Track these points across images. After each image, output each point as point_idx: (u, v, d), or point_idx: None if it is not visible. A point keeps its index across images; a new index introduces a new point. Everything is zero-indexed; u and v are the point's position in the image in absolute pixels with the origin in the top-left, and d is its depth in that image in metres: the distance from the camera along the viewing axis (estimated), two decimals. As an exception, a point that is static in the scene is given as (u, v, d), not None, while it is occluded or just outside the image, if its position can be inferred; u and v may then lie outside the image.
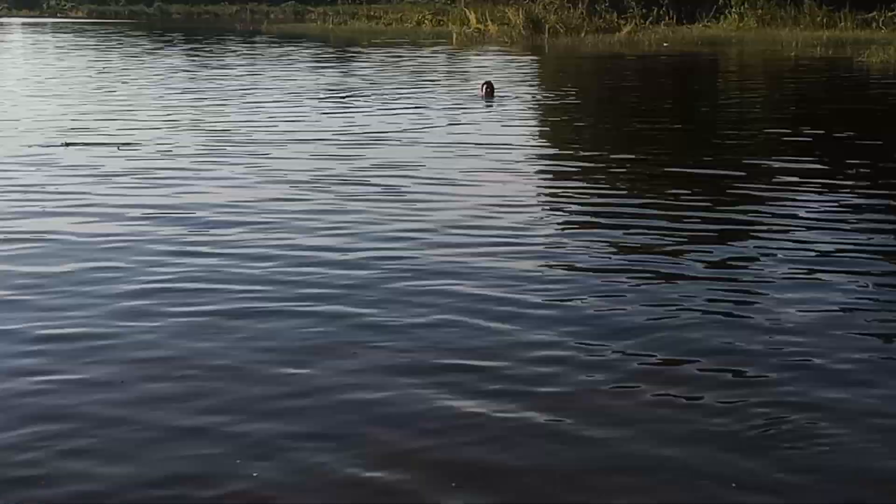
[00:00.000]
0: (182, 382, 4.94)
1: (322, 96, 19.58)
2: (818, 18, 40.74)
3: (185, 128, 14.77)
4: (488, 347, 5.38)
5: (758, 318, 5.95)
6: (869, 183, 10.35)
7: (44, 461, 4.15)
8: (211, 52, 36.94)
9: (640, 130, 14.92)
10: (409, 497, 3.89)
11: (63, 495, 3.89)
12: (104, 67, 28.59)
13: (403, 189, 9.84)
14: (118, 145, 12.53)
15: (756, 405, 4.67)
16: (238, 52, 36.61)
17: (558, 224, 8.55)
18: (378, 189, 9.82)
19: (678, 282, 6.72)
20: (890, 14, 40.09)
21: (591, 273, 6.92)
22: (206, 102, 18.48)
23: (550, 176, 11.08)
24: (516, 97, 19.16)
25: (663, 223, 8.45)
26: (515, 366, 5.15)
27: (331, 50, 38.17)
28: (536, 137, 14.47)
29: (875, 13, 40.35)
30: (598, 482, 3.99)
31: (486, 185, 10.03)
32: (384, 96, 19.46)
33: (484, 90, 19.01)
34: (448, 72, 26.92)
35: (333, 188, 9.90)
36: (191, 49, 38.75)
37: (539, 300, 6.25)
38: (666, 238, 7.93)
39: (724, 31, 40.64)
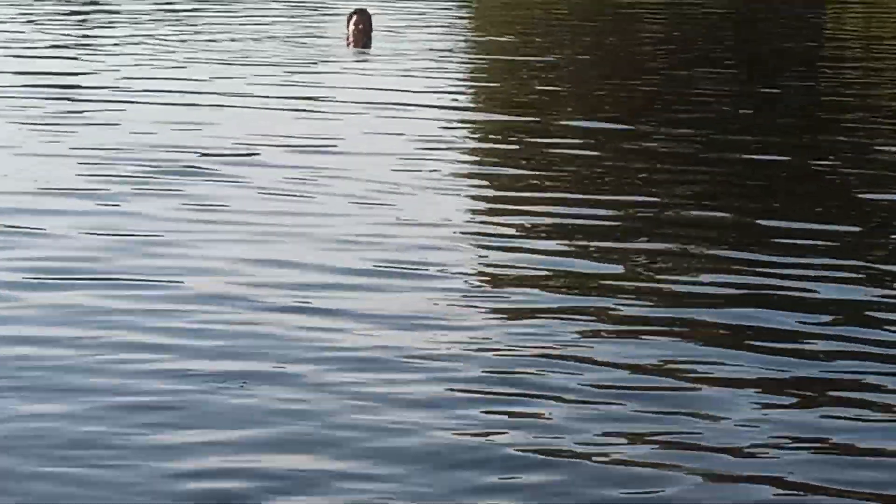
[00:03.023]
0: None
1: (83, 42, 15.69)
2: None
3: None
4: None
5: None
6: None
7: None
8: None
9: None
10: None
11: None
12: None
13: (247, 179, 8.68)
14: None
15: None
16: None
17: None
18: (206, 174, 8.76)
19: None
20: None
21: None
22: None
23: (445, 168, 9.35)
24: (411, 42, 15.08)
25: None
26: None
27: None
28: (439, 109, 11.24)
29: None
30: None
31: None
32: (190, 41, 15.35)
33: (353, 28, 14.61)
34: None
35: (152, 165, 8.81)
36: None
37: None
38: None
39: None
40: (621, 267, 6.95)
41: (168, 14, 17.77)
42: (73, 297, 5.97)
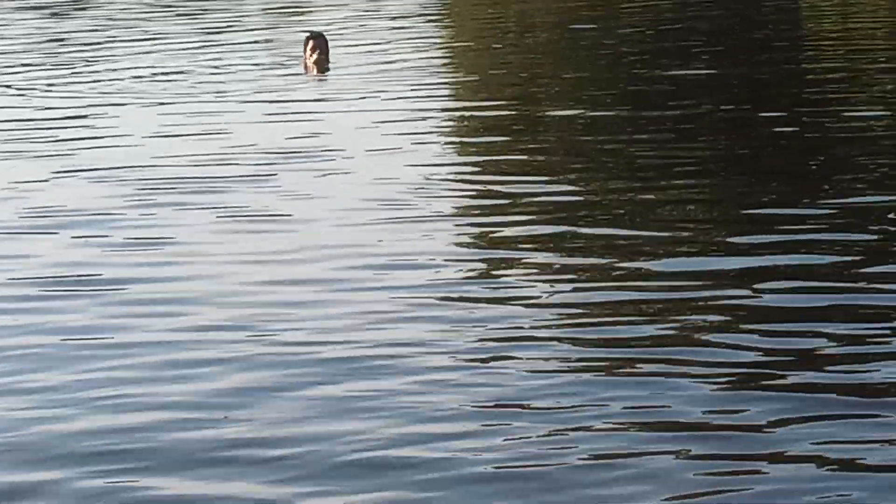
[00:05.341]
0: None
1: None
2: None
3: None
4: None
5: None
6: None
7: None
8: None
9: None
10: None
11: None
12: None
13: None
14: None
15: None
16: None
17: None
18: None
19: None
20: None
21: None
22: None
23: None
24: (370, 63, 14.20)
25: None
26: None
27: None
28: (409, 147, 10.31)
29: None
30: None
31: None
32: (137, 61, 15.23)
33: (311, 53, 14.21)
34: (260, 10, 21.04)
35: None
36: None
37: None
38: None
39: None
40: (619, 259, 7.04)
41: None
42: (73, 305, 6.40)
